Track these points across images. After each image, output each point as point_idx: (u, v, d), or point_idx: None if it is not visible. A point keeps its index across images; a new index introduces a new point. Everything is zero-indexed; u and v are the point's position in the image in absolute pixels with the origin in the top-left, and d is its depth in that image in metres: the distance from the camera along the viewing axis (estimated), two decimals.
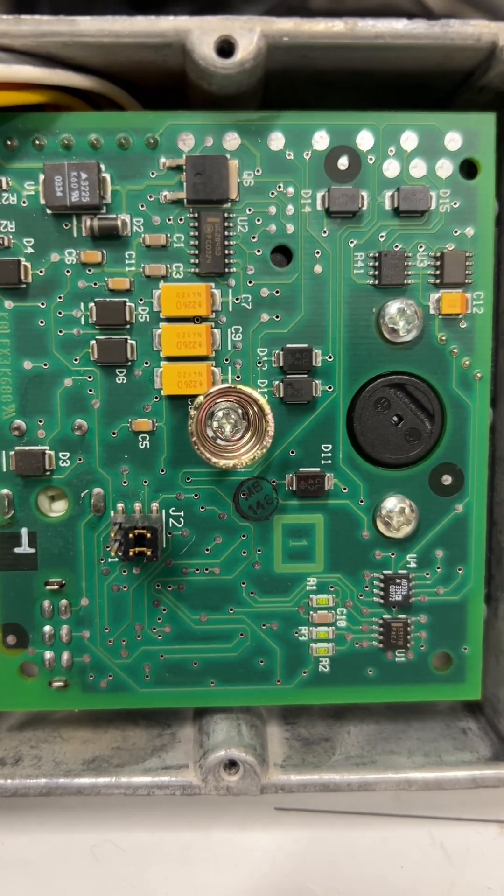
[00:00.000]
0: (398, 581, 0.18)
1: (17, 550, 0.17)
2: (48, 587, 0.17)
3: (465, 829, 0.19)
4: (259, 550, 0.18)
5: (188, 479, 0.17)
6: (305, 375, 0.17)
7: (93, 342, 0.17)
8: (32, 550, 0.17)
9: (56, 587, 0.17)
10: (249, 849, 0.18)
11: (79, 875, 0.18)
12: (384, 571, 0.18)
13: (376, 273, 0.17)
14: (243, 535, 0.18)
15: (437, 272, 0.17)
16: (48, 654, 0.18)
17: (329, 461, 0.17)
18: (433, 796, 0.19)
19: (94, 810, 0.18)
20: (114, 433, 0.17)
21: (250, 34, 0.15)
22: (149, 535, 0.17)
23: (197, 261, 0.17)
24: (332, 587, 0.18)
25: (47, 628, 0.18)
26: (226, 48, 0.16)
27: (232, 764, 0.17)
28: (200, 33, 0.15)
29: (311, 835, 0.18)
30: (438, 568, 0.18)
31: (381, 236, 0.17)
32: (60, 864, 0.18)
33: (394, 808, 0.19)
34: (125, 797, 0.18)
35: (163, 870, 0.18)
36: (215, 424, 0.17)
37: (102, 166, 0.16)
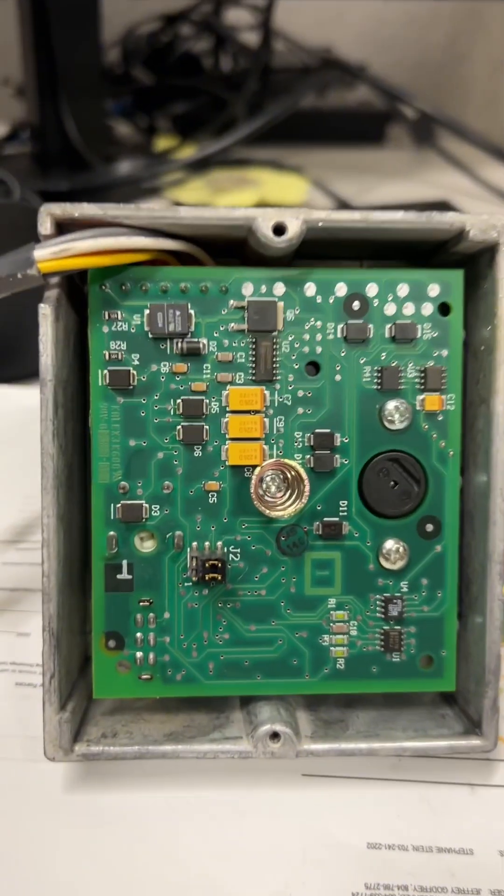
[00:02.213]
0: (394, 601, 0.24)
1: (118, 577, 0.23)
2: (140, 604, 0.23)
3: (444, 790, 0.25)
4: (294, 578, 0.24)
5: (243, 525, 0.24)
6: (329, 452, 0.23)
7: (179, 427, 0.23)
8: (130, 577, 0.23)
9: (146, 604, 0.23)
10: (284, 803, 0.24)
11: (158, 823, 0.24)
12: (384, 594, 0.24)
13: (379, 381, 0.23)
14: (282, 567, 0.24)
15: (422, 381, 0.23)
16: (138, 654, 0.24)
17: (345, 513, 0.24)
18: (421, 765, 0.25)
19: (167, 776, 0.24)
20: (191, 492, 0.23)
21: (297, 220, 0.22)
22: (220, 564, 0.23)
23: (254, 371, 0.23)
24: (346, 606, 0.24)
25: (138, 635, 0.23)
26: (279, 229, 0.23)
27: (275, 735, 0.23)
28: (263, 220, 0.22)
29: (329, 793, 0.24)
30: (424, 592, 0.24)
31: (383, 355, 0.23)
32: (143, 814, 0.24)
33: (392, 775, 0.25)
34: (190, 768, 0.24)
35: (221, 819, 0.24)
36: (264, 486, 0.23)
37: (189, 305, 0.23)
